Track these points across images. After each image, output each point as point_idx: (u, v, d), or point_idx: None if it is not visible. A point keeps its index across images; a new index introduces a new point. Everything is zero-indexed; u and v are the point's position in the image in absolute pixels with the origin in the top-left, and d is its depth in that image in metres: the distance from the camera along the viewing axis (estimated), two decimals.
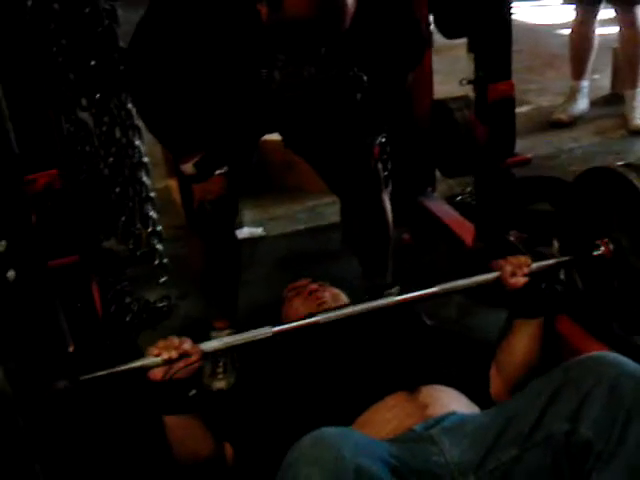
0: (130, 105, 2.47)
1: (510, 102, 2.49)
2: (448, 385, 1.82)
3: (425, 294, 1.98)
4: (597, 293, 2.12)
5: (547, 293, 2.00)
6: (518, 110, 2.60)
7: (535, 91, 5.05)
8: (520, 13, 6.50)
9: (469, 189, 3.43)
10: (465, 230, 2.91)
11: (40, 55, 2.03)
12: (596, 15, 4.27)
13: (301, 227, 3.59)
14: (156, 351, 1.70)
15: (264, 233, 3.53)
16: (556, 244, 2.74)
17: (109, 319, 2.61)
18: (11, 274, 1.54)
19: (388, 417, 1.72)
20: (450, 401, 1.76)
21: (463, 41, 2.63)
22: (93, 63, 2.32)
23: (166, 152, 3.50)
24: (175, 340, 1.73)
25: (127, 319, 2.76)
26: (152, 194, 2.65)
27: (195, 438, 1.77)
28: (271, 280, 3.09)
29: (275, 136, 2.52)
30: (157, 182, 3.19)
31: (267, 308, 2.68)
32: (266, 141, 2.49)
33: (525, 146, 3.90)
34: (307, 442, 1.45)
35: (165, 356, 1.69)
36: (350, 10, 1.78)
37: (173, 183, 3.48)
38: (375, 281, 2.72)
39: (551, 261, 2.04)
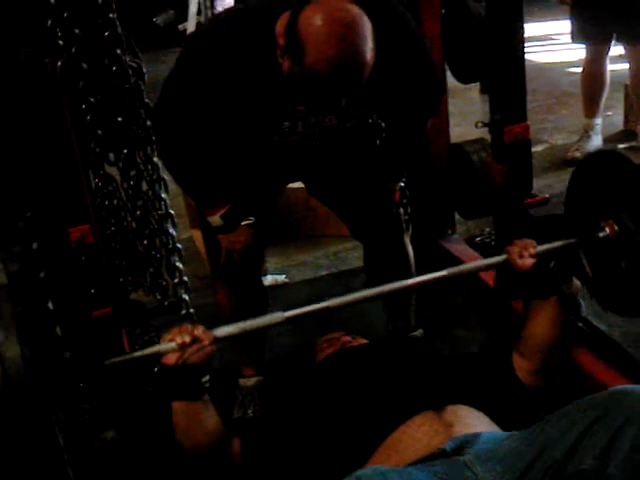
0: (156, 158, 2.52)
1: (526, 143, 2.53)
2: (470, 405, 1.84)
3: (435, 277, 2.04)
4: (605, 275, 2.13)
5: (556, 272, 2.03)
6: (533, 149, 2.63)
7: (549, 130, 5.08)
8: (531, 53, 6.56)
9: (488, 230, 3.46)
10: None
11: (70, 113, 2.10)
12: (607, 53, 4.29)
13: (324, 273, 3.60)
14: (170, 337, 1.76)
15: (287, 280, 3.55)
16: (577, 282, 2.76)
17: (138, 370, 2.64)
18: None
19: (418, 436, 1.73)
20: (474, 420, 1.79)
21: (476, 83, 2.67)
22: (120, 119, 2.37)
23: (189, 203, 3.55)
24: (188, 326, 1.79)
25: (155, 370, 2.78)
26: (178, 245, 2.69)
27: (201, 425, 1.81)
28: (295, 327, 3.11)
29: (297, 184, 2.57)
30: (181, 233, 3.23)
31: (292, 354, 2.71)
32: (288, 189, 2.54)
33: (541, 185, 3.93)
34: None
35: (178, 341, 1.74)
36: (369, 64, 1.82)
37: (196, 234, 3.53)
38: (399, 324, 2.74)
39: (557, 243, 2.07)
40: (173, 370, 1.75)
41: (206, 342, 1.77)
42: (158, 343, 1.78)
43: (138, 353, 1.76)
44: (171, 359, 1.74)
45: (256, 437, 1.97)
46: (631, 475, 1.48)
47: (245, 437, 1.93)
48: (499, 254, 2.76)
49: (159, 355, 1.77)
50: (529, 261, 1.98)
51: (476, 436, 1.70)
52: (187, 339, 1.74)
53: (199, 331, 1.78)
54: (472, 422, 1.78)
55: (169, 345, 1.75)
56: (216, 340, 1.81)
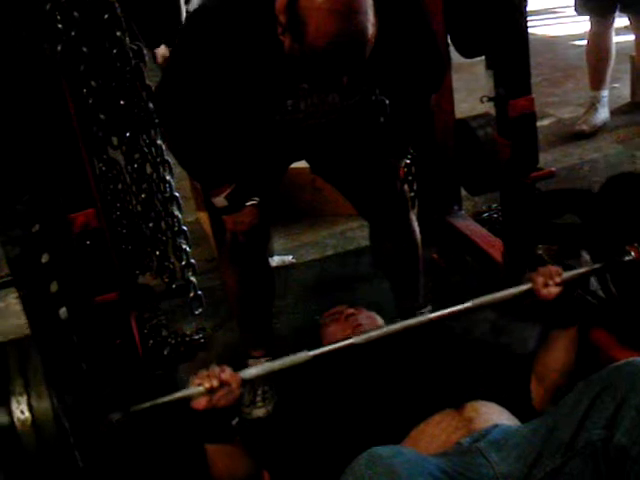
0: (159, 141, 2.51)
1: (531, 117, 2.51)
2: (489, 400, 1.85)
3: (459, 310, 2.00)
4: (632, 299, 2.13)
5: (580, 302, 2.01)
6: (539, 123, 2.61)
7: (555, 103, 5.05)
8: (536, 26, 6.53)
9: (495, 205, 3.45)
10: (493, 246, 2.92)
11: (72, 97, 2.09)
12: (611, 24, 4.26)
13: (331, 253, 3.60)
14: (198, 381, 1.75)
15: (294, 260, 3.55)
16: (585, 256, 2.75)
17: (148, 354, 2.64)
18: (63, 311, 1.58)
19: (436, 433, 1.75)
20: (493, 414, 1.79)
21: (481, 58, 2.65)
22: (122, 102, 2.36)
23: (195, 186, 3.55)
24: (216, 369, 1.77)
25: (165, 353, 2.79)
26: (184, 227, 2.68)
27: (236, 465, 1.81)
28: (303, 307, 3.12)
29: (302, 163, 2.56)
30: (187, 216, 3.23)
31: (301, 335, 2.71)
32: (293, 169, 2.53)
33: (548, 159, 3.93)
34: (361, 462, 1.48)
35: (207, 385, 1.73)
36: (371, 40, 1.80)
37: (203, 216, 3.53)
38: (407, 302, 2.73)
39: (582, 269, 2.05)
40: (203, 414, 1.75)
41: (234, 385, 1.77)
42: (186, 388, 1.78)
43: (166, 398, 1.75)
44: (201, 403, 1.73)
45: (272, 442, 1.98)
46: (637, 440, 1.48)
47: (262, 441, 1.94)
48: (505, 230, 2.78)
49: (187, 399, 1.76)
50: (554, 290, 1.94)
51: (493, 427, 1.72)
52: (215, 383, 1.73)
53: (226, 375, 1.76)
54: (492, 417, 1.78)
55: (197, 389, 1.73)
56: (243, 382, 1.80)
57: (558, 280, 1.94)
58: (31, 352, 1.52)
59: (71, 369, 1.53)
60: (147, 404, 1.74)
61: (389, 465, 1.44)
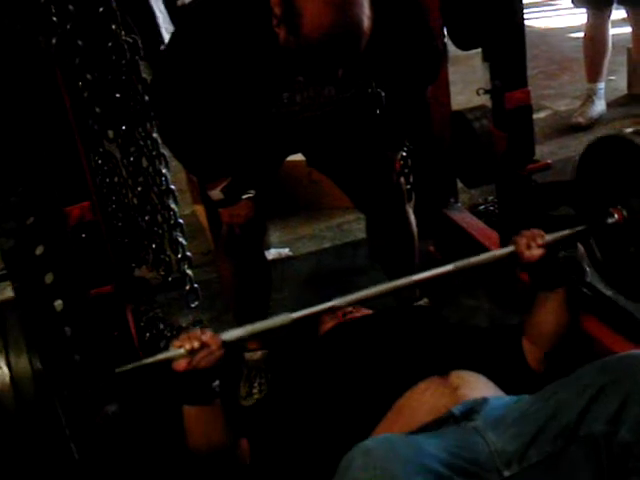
0: (155, 134, 2.51)
1: (527, 109, 2.51)
2: (474, 370, 1.86)
3: (441, 272, 2.01)
4: (614, 261, 2.12)
5: (564, 263, 2.02)
6: (536, 116, 2.61)
7: (552, 96, 5.05)
8: (532, 18, 6.52)
9: (491, 198, 3.45)
10: (489, 238, 2.92)
11: (67, 90, 2.09)
12: (608, 17, 4.25)
13: (327, 245, 3.60)
14: (179, 343, 1.77)
15: (291, 253, 3.55)
16: (581, 247, 2.76)
17: (144, 347, 2.64)
18: (58, 304, 1.58)
19: (423, 400, 1.76)
20: (478, 384, 1.81)
21: (478, 51, 2.65)
22: (118, 95, 2.36)
23: (191, 179, 3.54)
24: (197, 332, 1.79)
25: (161, 346, 2.79)
26: (180, 220, 2.68)
27: (213, 431, 1.82)
28: (300, 299, 3.10)
29: (298, 156, 2.55)
30: (183, 209, 3.23)
31: (297, 327, 2.72)
32: (289, 161, 2.52)
33: (544, 151, 3.93)
34: (355, 461, 1.46)
35: (187, 346, 1.75)
36: (367, 32, 1.79)
37: (199, 209, 3.53)
38: (403, 294, 2.74)
39: (565, 232, 2.05)
40: (184, 375, 1.76)
41: (214, 347, 1.78)
42: (167, 350, 1.79)
43: (149, 360, 1.78)
44: (181, 365, 1.75)
45: (262, 416, 1.98)
46: None
47: (252, 422, 1.95)
48: (501, 222, 2.78)
49: (170, 361, 1.77)
50: (537, 252, 1.96)
51: (485, 400, 1.72)
52: (196, 345, 1.75)
53: (207, 336, 1.78)
54: (478, 386, 1.80)
55: (178, 351, 1.76)
56: (224, 344, 1.82)
57: (541, 242, 1.97)
58: (8, 315, 1.52)
59: (66, 362, 1.53)
60: (130, 366, 1.75)
61: (385, 468, 1.43)
